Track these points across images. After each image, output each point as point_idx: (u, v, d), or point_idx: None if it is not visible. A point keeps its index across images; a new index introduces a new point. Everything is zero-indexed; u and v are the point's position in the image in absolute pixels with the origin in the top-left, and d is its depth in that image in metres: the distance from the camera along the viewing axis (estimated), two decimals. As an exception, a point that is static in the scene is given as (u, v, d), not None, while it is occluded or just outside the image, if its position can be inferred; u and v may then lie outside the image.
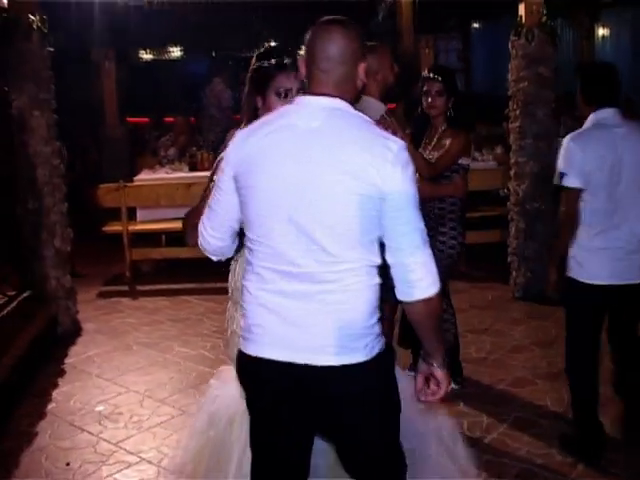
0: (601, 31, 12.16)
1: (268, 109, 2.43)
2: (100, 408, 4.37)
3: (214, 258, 2.29)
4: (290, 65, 2.49)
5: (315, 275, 1.97)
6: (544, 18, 5.69)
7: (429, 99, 4.11)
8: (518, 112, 5.86)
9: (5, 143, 5.33)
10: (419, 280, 1.99)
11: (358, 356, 2.00)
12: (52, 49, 5.25)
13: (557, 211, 5.91)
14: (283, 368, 2.02)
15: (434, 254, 2.04)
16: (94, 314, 6.14)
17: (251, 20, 9.83)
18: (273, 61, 2.50)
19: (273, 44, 2.78)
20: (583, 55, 12.11)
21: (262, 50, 2.64)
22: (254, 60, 2.58)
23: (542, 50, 5.74)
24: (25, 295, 5.36)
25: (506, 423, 3.99)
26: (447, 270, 4.21)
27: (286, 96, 2.47)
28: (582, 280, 3.43)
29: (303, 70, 2.08)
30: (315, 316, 1.99)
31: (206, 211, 2.19)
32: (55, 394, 4.60)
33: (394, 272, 2.01)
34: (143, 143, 9.64)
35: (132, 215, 7.24)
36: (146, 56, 11.95)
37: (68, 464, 3.72)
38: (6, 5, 4.97)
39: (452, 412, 4.06)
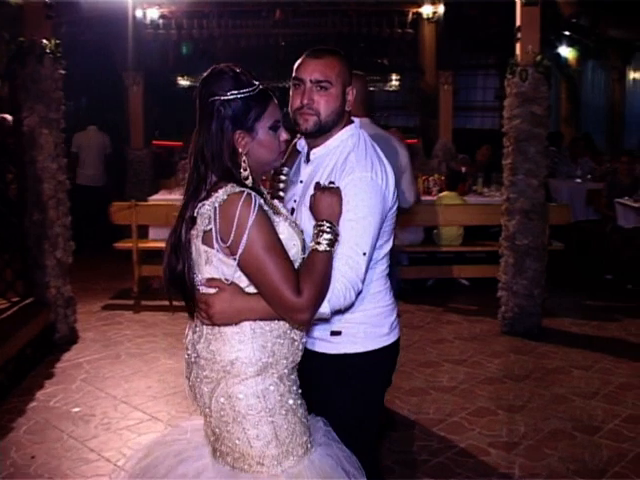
0: (632, 74, 12.18)
1: (263, 147, 2.12)
2: (76, 409, 4.63)
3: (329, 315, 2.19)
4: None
5: None
6: (539, 57, 5.80)
7: None
8: (511, 149, 5.97)
9: (17, 159, 5.70)
10: None
11: None
12: (64, 72, 5.60)
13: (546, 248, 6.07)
14: None
15: None
16: (94, 324, 6.45)
17: (278, 48, 10.19)
18: (253, 89, 2.09)
19: (227, 66, 2.07)
20: (614, 96, 12.18)
21: (215, 74, 2.10)
22: (215, 89, 2.07)
23: (536, 89, 5.84)
24: (27, 302, 5.69)
25: (455, 449, 4.10)
26: None
27: (277, 129, 2.14)
28: None
29: (352, 98, 2.39)
30: None
31: (359, 261, 2.17)
32: (39, 394, 4.88)
33: None
34: (171, 166, 10.01)
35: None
36: (183, 82, 12.42)
37: (33, 457, 3.99)
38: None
39: (403, 436, 4.24)
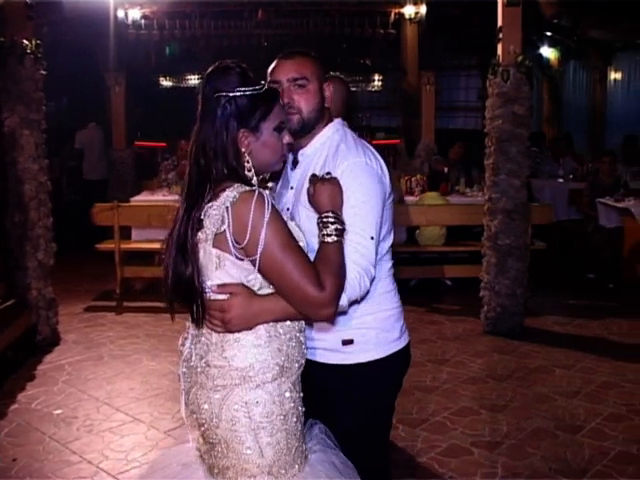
0: (613, 74, 12.29)
1: (266, 148, 2.07)
2: (58, 411, 4.60)
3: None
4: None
5: None
6: (520, 58, 5.83)
7: None
8: (493, 149, 6.00)
9: (-3, 160, 5.67)
10: None
11: None
12: (45, 72, 5.57)
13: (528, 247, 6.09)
14: None
15: None
16: (77, 326, 6.42)
17: (260, 49, 10.18)
18: (260, 87, 2.05)
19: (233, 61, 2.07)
20: (596, 97, 12.29)
21: (222, 69, 2.04)
22: (220, 85, 2.01)
23: (518, 89, 5.87)
24: (9, 303, 5.65)
25: (438, 449, 4.11)
26: None
27: (281, 131, 2.10)
28: None
29: (330, 94, 2.39)
30: None
31: (368, 246, 2.15)
32: (20, 397, 4.85)
33: None
34: (154, 166, 9.97)
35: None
36: (165, 83, 12.38)
37: (15, 460, 3.96)
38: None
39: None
